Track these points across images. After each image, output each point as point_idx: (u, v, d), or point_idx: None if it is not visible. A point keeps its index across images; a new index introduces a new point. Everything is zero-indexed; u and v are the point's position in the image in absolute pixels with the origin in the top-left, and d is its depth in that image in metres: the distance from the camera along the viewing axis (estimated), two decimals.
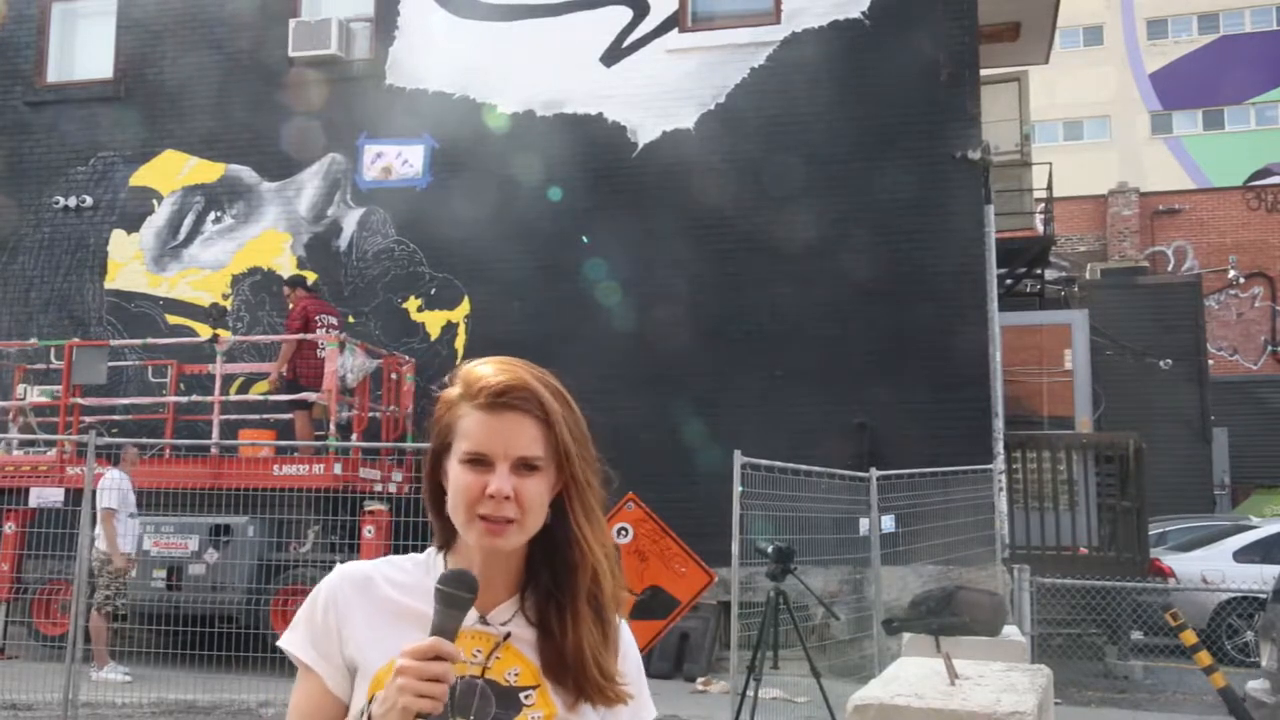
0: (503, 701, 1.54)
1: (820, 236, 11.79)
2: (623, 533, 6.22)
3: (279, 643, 1.64)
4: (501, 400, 1.57)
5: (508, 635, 1.58)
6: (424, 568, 1.63)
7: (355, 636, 1.57)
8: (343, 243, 13.26)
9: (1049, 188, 16.60)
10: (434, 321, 12.84)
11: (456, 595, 1.45)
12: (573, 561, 1.59)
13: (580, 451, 1.62)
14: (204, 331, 12.53)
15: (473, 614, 1.54)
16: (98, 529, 9.35)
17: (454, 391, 1.63)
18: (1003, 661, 5.52)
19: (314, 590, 1.64)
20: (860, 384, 11.50)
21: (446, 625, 1.44)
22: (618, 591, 1.64)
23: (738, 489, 7.74)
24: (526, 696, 1.55)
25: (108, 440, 10.22)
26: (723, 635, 10.48)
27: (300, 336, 11.45)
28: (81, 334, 13.23)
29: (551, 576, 1.60)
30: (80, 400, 11.86)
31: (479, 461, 1.55)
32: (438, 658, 1.39)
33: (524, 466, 1.55)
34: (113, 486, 9.61)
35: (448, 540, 1.65)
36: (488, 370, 1.61)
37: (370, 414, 11.62)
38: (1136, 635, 11.91)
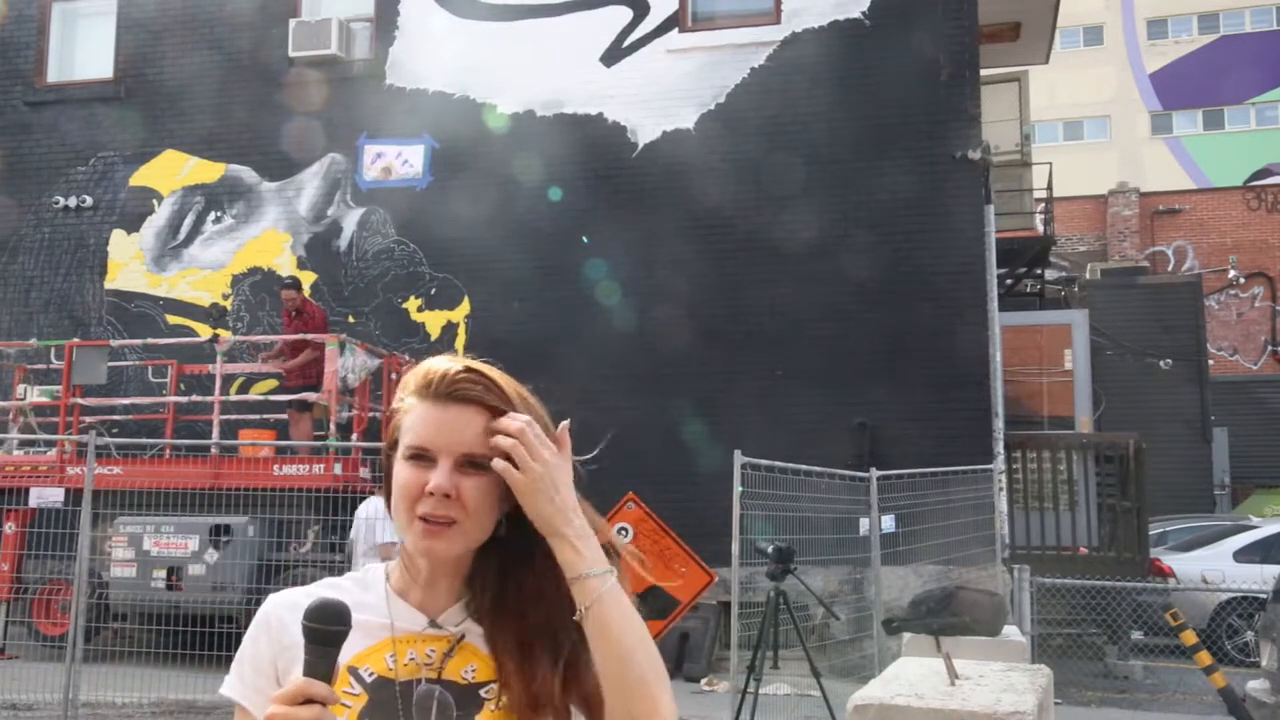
0: (462, 701, 1.46)
1: (820, 236, 11.79)
2: (623, 533, 6.22)
3: (220, 691, 1.52)
4: (448, 391, 1.47)
5: (462, 637, 1.49)
6: (362, 584, 1.54)
7: (290, 656, 1.44)
8: (343, 243, 13.26)
9: (1049, 188, 16.60)
10: (434, 321, 12.84)
11: (324, 630, 1.31)
12: (529, 590, 1.46)
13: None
14: (204, 331, 12.54)
15: (422, 619, 1.49)
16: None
17: (407, 388, 1.53)
18: (1003, 661, 5.52)
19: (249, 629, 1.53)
20: (860, 384, 11.50)
21: (319, 664, 1.30)
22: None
23: (738, 489, 7.74)
24: (486, 691, 1.46)
25: (108, 440, 10.22)
26: (723, 635, 10.48)
27: (316, 337, 11.44)
28: (81, 334, 13.23)
29: (499, 593, 1.48)
30: (80, 400, 11.86)
31: (421, 457, 1.45)
32: (308, 700, 1.27)
33: (469, 464, 1.44)
34: (384, 516, 8.77)
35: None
36: (440, 362, 1.52)
37: (370, 414, 11.62)
38: (1136, 635, 11.91)
